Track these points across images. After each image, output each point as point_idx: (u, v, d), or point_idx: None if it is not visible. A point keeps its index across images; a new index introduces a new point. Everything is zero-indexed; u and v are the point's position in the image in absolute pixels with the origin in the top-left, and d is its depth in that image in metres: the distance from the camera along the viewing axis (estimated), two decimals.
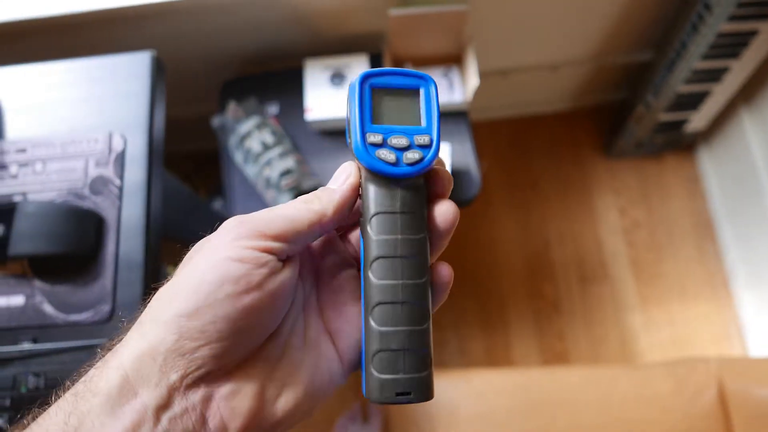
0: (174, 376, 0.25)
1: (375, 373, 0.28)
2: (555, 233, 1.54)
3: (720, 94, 1.31)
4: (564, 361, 1.43)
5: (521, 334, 1.46)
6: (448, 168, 0.95)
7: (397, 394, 0.27)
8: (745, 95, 1.34)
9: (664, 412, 0.87)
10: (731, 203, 1.46)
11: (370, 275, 0.28)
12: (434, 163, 0.30)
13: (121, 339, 0.27)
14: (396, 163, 0.28)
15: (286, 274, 0.28)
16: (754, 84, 1.30)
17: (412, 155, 0.28)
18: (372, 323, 0.28)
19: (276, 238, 0.28)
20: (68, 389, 0.26)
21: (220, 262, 0.26)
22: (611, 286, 1.49)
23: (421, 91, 0.30)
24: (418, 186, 0.29)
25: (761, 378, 0.88)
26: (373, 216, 0.29)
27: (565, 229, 1.55)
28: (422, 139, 0.29)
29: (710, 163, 1.54)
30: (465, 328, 1.46)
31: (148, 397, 0.25)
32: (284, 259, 0.29)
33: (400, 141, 0.29)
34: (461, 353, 1.44)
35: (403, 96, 0.30)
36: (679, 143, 1.54)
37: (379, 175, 0.29)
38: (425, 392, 0.28)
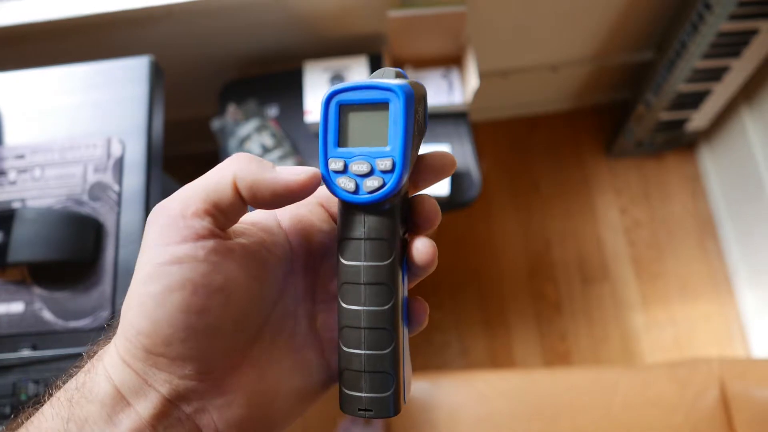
0: (162, 389, 0.25)
1: (342, 388, 0.28)
2: (556, 233, 1.54)
3: (721, 93, 1.30)
4: (566, 361, 1.43)
5: (523, 335, 1.46)
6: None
7: (359, 410, 0.28)
8: (746, 94, 1.34)
9: (665, 414, 0.87)
10: (732, 202, 1.46)
11: (339, 298, 0.28)
12: (401, 188, 0.27)
13: (108, 341, 0.27)
14: (356, 191, 0.27)
15: (240, 250, 0.26)
16: (755, 83, 1.29)
17: (371, 183, 0.27)
18: (340, 343, 0.28)
19: (203, 213, 0.25)
20: (59, 389, 0.26)
21: (156, 270, 0.24)
22: (612, 285, 1.49)
23: (390, 106, 0.27)
24: (386, 211, 0.27)
25: (763, 379, 0.88)
26: (340, 241, 0.28)
27: (566, 229, 1.54)
28: (384, 164, 0.27)
29: (711, 161, 1.53)
30: (467, 329, 1.46)
31: (142, 407, 0.25)
32: (229, 234, 0.27)
33: (361, 167, 0.27)
34: (463, 354, 1.44)
35: (371, 113, 0.27)
36: (680, 142, 1.54)
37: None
38: (386, 410, 0.28)
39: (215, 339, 0.25)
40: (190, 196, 0.25)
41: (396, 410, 0.28)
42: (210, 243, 0.25)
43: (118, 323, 0.26)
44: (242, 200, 0.26)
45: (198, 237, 0.25)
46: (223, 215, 0.26)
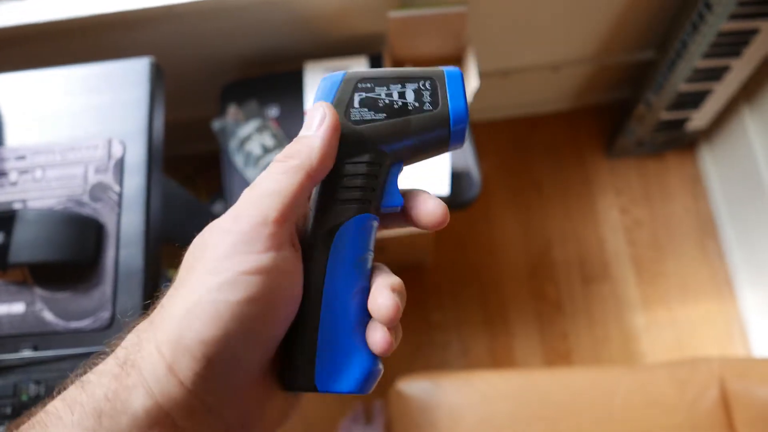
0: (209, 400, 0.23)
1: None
2: (557, 233, 1.54)
3: (721, 92, 1.30)
4: (567, 361, 1.43)
5: (524, 335, 1.46)
6: (447, 174, 0.94)
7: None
8: (747, 93, 1.33)
9: (666, 414, 0.87)
10: (733, 201, 1.46)
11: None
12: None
13: (133, 343, 0.24)
14: None
15: (295, 253, 0.26)
16: (755, 82, 1.29)
17: None
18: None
19: (273, 223, 0.25)
20: (72, 391, 0.24)
21: (237, 279, 0.23)
22: (613, 285, 1.49)
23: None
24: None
25: (764, 378, 0.88)
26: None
27: (567, 228, 1.54)
28: None
29: (712, 161, 1.53)
30: (468, 329, 1.46)
31: (190, 427, 0.23)
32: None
33: None
34: (464, 354, 1.44)
35: None
36: (680, 142, 1.54)
37: None
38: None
39: (267, 353, 0.25)
40: (267, 204, 0.25)
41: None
42: (290, 252, 0.25)
43: (142, 319, 0.25)
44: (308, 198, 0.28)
45: (280, 246, 0.25)
46: (293, 216, 0.26)
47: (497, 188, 1.58)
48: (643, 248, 1.52)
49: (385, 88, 0.30)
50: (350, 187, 0.28)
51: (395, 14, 0.97)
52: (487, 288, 1.50)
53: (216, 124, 1.04)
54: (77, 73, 0.71)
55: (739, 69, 1.22)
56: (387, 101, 0.29)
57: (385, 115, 0.29)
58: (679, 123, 1.42)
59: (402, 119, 0.29)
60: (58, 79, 0.72)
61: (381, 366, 0.29)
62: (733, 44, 1.14)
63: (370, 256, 0.29)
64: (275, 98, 1.09)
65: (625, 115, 1.48)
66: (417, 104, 0.30)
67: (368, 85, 0.30)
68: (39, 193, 0.65)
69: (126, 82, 0.69)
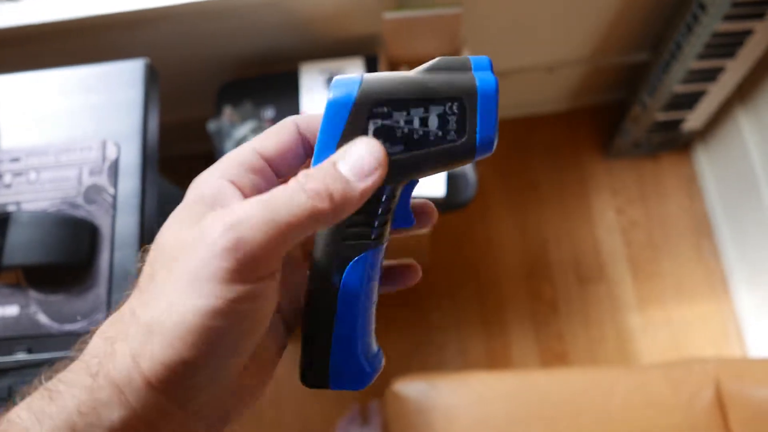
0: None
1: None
2: (553, 233, 1.54)
3: (716, 93, 1.31)
4: (563, 361, 1.43)
5: (520, 335, 1.46)
6: (443, 175, 0.93)
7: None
8: (741, 94, 1.34)
9: (661, 415, 0.87)
10: (728, 202, 1.46)
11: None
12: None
13: (105, 352, 0.23)
14: None
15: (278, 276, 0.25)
16: (750, 83, 1.30)
17: None
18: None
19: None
20: (39, 401, 0.22)
21: (228, 307, 0.22)
22: (609, 286, 1.49)
23: None
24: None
25: (759, 378, 0.88)
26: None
27: (563, 229, 1.55)
28: None
29: (707, 162, 1.54)
30: (464, 330, 1.46)
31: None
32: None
33: None
34: (461, 355, 1.44)
35: None
36: (676, 143, 1.54)
37: None
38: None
39: (249, 353, 0.25)
40: (265, 223, 0.22)
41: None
42: (276, 278, 0.24)
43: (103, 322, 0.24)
44: None
45: (272, 275, 0.24)
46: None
47: (494, 189, 1.58)
48: (639, 248, 1.52)
49: (404, 113, 0.25)
50: (360, 224, 0.27)
51: (390, 15, 0.97)
52: (484, 288, 1.50)
53: (212, 126, 1.04)
54: (71, 74, 0.71)
55: (734, 70, 1.23)
56: (406, 130, 0.26)
57: (402, 147, 0.26)
58: (675, 124, 1.43)
59: (423, 152, 0.26)
60: (52, 80, 0.71)
61: (383, 363, 0.31)
62: (727, 45, 1.15)
63: (378, 274, 0.30)
64: (271, 99, 1.09)
65: (621, 116, 1.49)
66: (440, 133, 0.26)
67: (385, 110, 0.25)
68: (33, 195, 0.65)
69: (120, 84, 0.69)
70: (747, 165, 1.34)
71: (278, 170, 0.27)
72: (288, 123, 0.28)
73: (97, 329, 0.24)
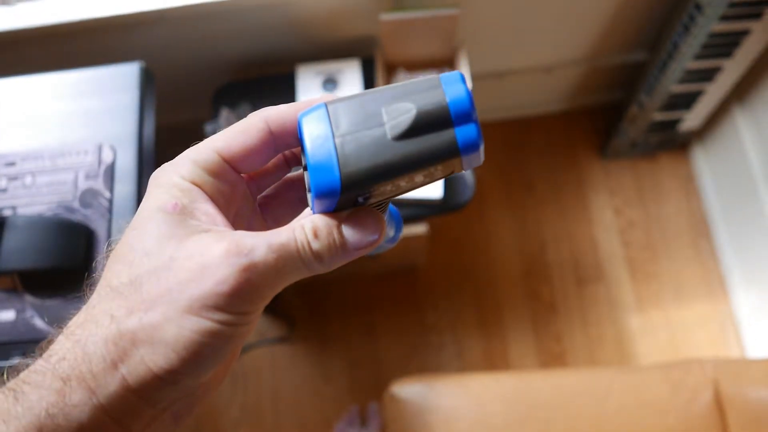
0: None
1: None
2: (551, 234, 1.54)
3: (713, 93, 1.31)
4: (561, 362, 1.43)
5: (518, 336, 1.46)
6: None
7: None
8: (739, 94, 1.34)
9: (660, 416, 0.87)
10: (726, 202, 1.46)
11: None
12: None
13: (77, 356, 0.23)
14: None
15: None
16: (746, 83, 1.30)
17: None
18: None
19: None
20: (2, 401, 0.22)
21: (222, 330, 0.23)
22: (607, 286, 1.49)
23: None
24: None
25: (757, 379, 0.88)
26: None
27: (561, 229, 1.55)
28: None
29: (705, 162, 1.54)
30: (462, 331, 1.46)
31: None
32: None
33: None
34: (459, 356, 1.44)
35: None
36: (673, 143, 1.55)
37: None
38: None
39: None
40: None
41: None
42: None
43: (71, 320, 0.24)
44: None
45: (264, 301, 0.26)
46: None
47: (492, 190, 1.58)
48: (636, 249, 1.52)
49: (390, 185, 0.25)
50: None
51: (387, 17, 0.97)
52: (482, 289, 1.50)
53: (209, 128, 1.04)
54: (67, 78, 0.71)
55: (731, 70, 1.23)
56: (393, 196, 0.26)
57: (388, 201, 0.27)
58: (672, 124, 1.43)
59: (408, 189, 0.26)
60: (47, 84, 0.71)
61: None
62: (724, 45, 1.15)
63: None
64: (268, 101, 1.09)
65: (618, 117, 1.49)
66: (425, 180, 0.26)
67: (372, 189, 0.24)
68: (29, 199, 0.65)
69: (116, 88, 0.69)
70: (744, 164, 1.34)
71: (241, 169, 0.27)
72: (256, 122, 0.27)
73: (67, 330, 0.24)
